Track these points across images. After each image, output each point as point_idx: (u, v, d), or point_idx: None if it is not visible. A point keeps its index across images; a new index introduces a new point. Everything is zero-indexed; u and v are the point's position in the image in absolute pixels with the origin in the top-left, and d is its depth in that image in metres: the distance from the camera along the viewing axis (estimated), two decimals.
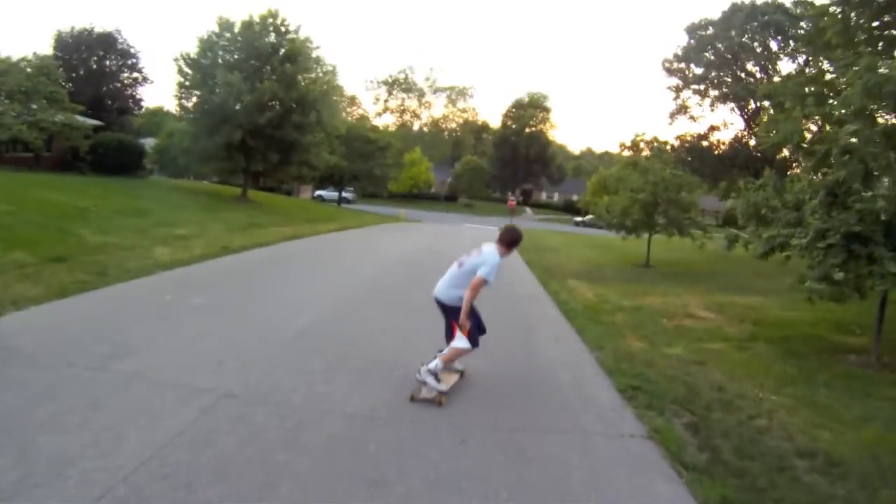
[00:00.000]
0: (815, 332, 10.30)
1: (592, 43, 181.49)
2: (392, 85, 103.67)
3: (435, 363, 5.62)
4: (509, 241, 6.25)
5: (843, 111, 8.17)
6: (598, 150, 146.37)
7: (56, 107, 24.42)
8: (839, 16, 12.57)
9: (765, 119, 14.43)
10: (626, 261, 21.46)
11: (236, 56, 27.68)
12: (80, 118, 26.31)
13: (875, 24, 12.30)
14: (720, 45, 51.53)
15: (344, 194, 69.50)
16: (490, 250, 6.08)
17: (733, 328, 10.32)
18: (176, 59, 28.07)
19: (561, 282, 14.64)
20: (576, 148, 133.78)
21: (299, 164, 30.17)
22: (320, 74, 29.36)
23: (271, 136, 27.32)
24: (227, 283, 10.69)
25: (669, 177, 19.49)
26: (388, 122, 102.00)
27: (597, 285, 14.61)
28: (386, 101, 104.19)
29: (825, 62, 13.15)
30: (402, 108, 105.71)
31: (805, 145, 9.27)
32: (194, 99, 28.33)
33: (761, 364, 7.99)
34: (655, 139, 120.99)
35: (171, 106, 30.68)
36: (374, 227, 31.52)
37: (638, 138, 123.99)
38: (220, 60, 27.47)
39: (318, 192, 67.88)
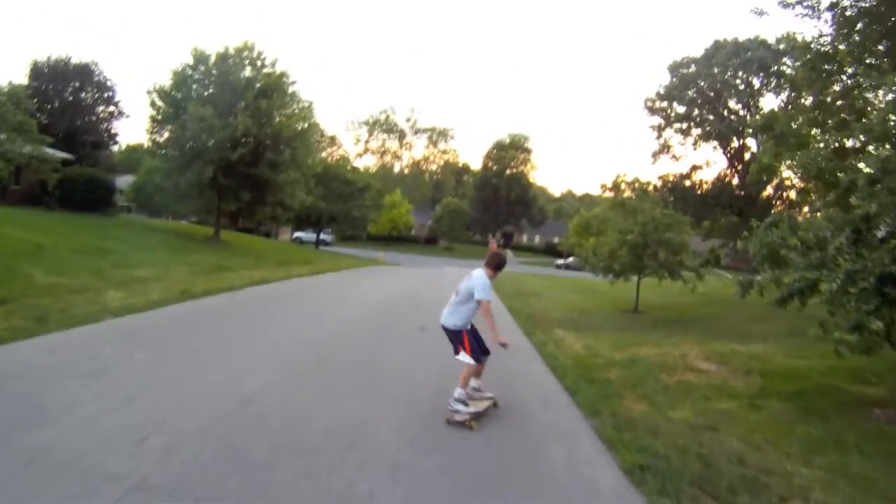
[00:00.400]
0: (830, 382, 9.32)
1: (572, 85, 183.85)
2: (373, 125, 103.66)
3: (458, 392, 6.30)
4: (496, 264, 7.00)
5: (864, 136, 7.30)
6: (579, 192, 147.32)
7: (24, 137, 23.26)
8: (836, 42, 11.93)
9: (765, 149, 13.40)
10: (613, 306, 20.55)
11: (210, 90, 26.76)
12: (50, 150, 25.20)
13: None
14: (703, 83, 51.19)
15: (322, 236, 68.63)
16: (479, 273, 6.81)
17: (740, 382, 9.32)
18: (149, 92, 27.26)
19: (546, 331, 13.65)
20: (556, 190, 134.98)
21: (273, 203, 29.05)
22: (296, 110, 28.42)
23: (244, 174, 26.37)
24: (177, 335, 9.59)
25: (660, 216, 18.66)
26: (368, 163, 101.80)
27: (585, 335, 13.61)
28: (367, 141, 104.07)
29: (835, 85, 12.32)
30: (382, 149, 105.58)
31: (826, 176, 8.29)
32: (166, 134, 27.29)
33: (780, 426, 6.99)
34: (637, 180, 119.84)
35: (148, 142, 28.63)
36: (351, 270, 30.48)
37: (619, 179, 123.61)
38: (193, 94, 26.50)
39: (296, 234, 66.87)
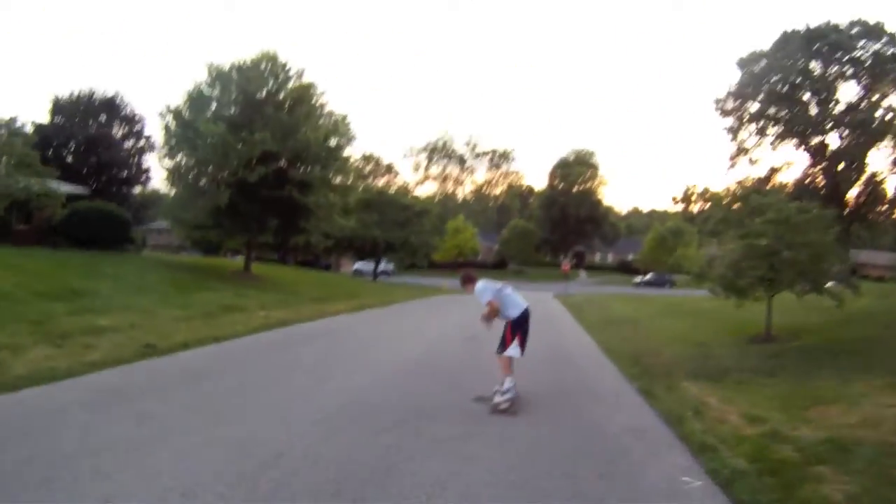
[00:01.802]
0: None
1: (631, 98, 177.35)
2: (432, 151, 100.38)
3: (504, 385, 7.21)
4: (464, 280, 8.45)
5: None
6: (645, 208, 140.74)
7: (26, 172, 20.08)
8: None
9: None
10: (732, 332, 15.60)
11: (227, 107, 23.16)
12: (55, 183, 22.03)
13: None
14: (776, 77, 46.58)
15: (382, 266, 65.11)
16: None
17: None
18: (162, 115, 23.94)
19: (670, 385, 8.88)
20: (622, 207, 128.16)
21: (306, 230, 25.12)
22: (328, 124, 24.38)
23: (268, 198, 22.53)
24: (66, 429, 5.35)
25: (794, 212, 13.67)
26: (429, 190, 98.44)
27: (729, 389, 8.79)
28: (426, 168, 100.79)
29: None
30: (443, 175, 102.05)
31: None
32: (180, 157, 23.71)
33: None
34: (707, 190, 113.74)
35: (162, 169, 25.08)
36: (405, 303, 26.29)
37: (690, 191, 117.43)
38: (208, 113, 22.89)
39: (356, 266, 63.60)
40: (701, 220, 57.26)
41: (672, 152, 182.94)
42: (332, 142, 23.98)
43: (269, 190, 22.36)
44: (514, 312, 7.72)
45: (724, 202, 23.36)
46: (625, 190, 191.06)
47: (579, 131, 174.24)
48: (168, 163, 23.87)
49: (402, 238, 43.53)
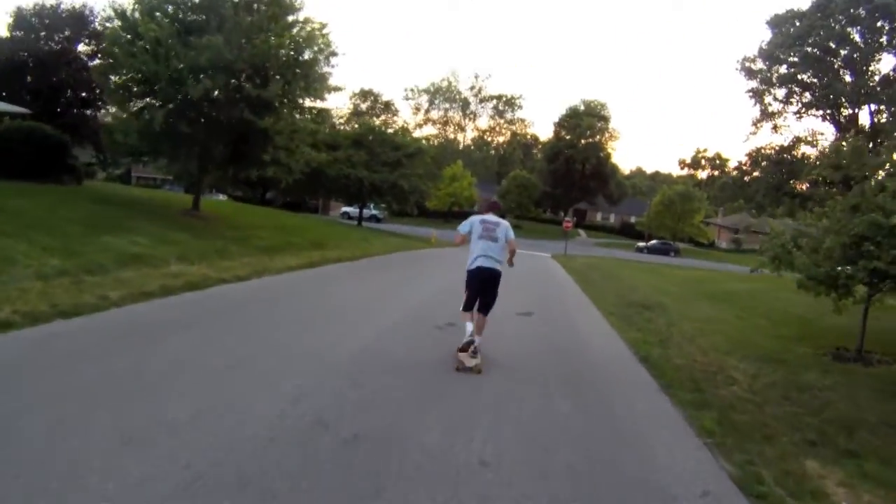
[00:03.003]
0: None
1: (645, 53, 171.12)
2: (434, 93, 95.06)
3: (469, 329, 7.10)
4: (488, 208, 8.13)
5: None
6: (648, 169, 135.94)
7: None
8: None
9: None
10: (794, 333, 11.85)
11: (170, 7, 18.47)
12: None
13: None
14: (812, 40, 42.40)
15: (373, 212, 60.95)
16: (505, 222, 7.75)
17: None
18: (107, 18, 19.55)
19: (786, 469, 4.92)
20: (625, 167, 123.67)
21: (262, 161, 20.56)
22: (299, 33, 19.49)
23: (214, 119, 18.18)
24: None
25: None
26: (429, 132, 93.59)
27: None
28: (427, 111, 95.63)
29: None
30: (444, 118, 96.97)
31: None
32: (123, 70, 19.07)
33: None
34: (718, 155, 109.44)
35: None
36: (380, 258, 22.27)
37: (699, 154, 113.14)
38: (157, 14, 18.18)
39: (344, 209, 59.69)
40: (718, 187, 53.66)
41: (681, 115, 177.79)
42: (303, 55, 19.37)
43: (217, 109, 18.04)
44: (468, 262, 7.41)
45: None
46: (628, 149, 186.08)
47: (588, 84, 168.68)
48: (110, 78, 19.34)
49: (391, 180, 39.07)
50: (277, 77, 18.51)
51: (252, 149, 19.46)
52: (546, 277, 20.28)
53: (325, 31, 19.76)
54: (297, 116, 20.42)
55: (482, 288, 7.25)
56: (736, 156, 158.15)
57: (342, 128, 43.06)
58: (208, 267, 12.67)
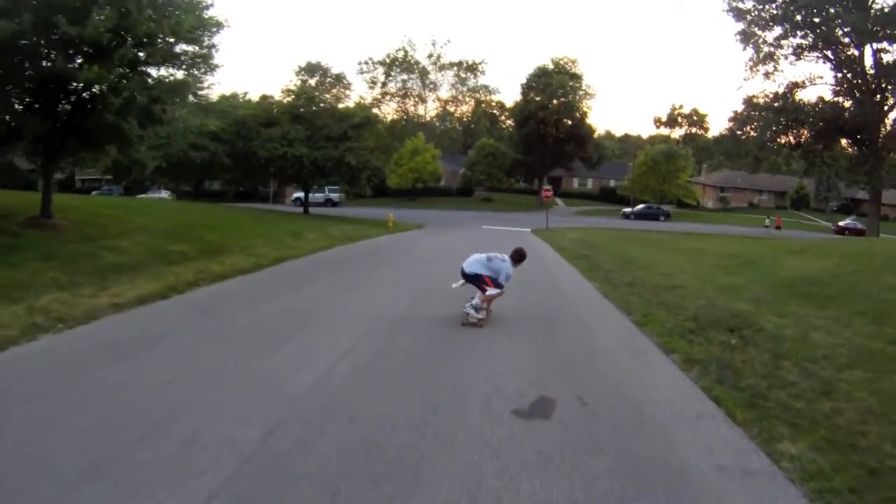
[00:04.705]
0: None
1: (600, 15, 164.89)
2: (390, 65, 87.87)
3: (475, 301, 8.26)
4: (518, 258, 8.89)
5: None
6: (618, 132, 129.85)
7: None
8: None
9: None
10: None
11: None
12: None
13: None
14: None
15: (329, 196, 54.51)
16: (507, 262, 8.57)
17: None
18: None
19: None
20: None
21: (96, 138, 13.42)
22: None
23: (28, 76, 11.63)
24: None
25: None
26: (389, 108, 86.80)
27: None
28: (384, 84, 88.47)
29: None
30: (403, 90, 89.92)
31: None
32: None
33: None
34: (696, 111, 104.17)
35: None
36: (308, 258, 16.06)
37: (675, 111, 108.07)
38: None
39: (295, 195, 53.27)
40: (714, 141, 48.76)
41: (649, 72, 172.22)
42: (169, 23, 12.58)
43: (25, 59, 11.45)
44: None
45: None
46: (596, 113, 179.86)
47: (548, 47, 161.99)
48: None
49: (336, 157, 32.36)
50: (107, 5, 11.85)
51: (84, 121, 12.74)
52: (536, 270, 14.01)
53: None
54: (159, 71, 13.77)
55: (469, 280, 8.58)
56: (714, 111, 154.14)
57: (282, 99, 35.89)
58: None
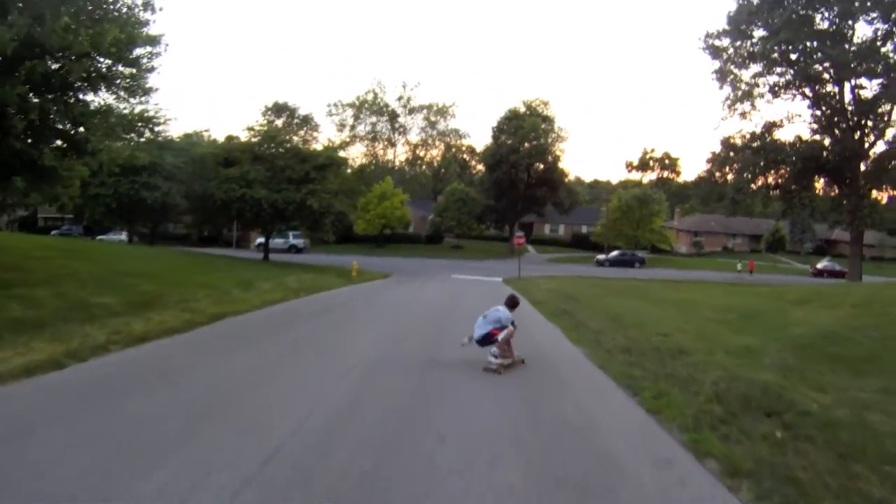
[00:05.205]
0: None
1: (569, 63, 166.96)
2: (360, 107, 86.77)
3: (494, 350, 8.65)
4: (512, 304, 9.50)
5: None
6: (587, 178, 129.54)
7: None
8: None
9: None
10: None
11: None
12: None
13: None
14: (782, 10, 37.32)
15: (292, 242, 52.56)
16: (503, 309, 9.19)
17: None
18: None
19: None
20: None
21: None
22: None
23: None
24: None
25: None
26: (357, 152, 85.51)
27: None
28: (353, 126, 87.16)
29: None
30: (372, 134, 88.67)
31: None
32: None
33: None
34: (667, 155, 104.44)
35: None
36: (255, 313, 14.10)
37: (647, 155, 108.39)
38: None
39: (259, 240, 51.01)
40: (694, 183, 47.92)
41: (618, 119, 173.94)
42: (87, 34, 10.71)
43: None
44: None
45: None
46: (567, 157, 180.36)
47: (519, 92, 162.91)
48: None
49: (297, 200, 30.45)
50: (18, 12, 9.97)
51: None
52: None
53: None
54: (93, 96, 11.89)
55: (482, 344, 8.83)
56: (686, 154, 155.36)
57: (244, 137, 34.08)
58: None
